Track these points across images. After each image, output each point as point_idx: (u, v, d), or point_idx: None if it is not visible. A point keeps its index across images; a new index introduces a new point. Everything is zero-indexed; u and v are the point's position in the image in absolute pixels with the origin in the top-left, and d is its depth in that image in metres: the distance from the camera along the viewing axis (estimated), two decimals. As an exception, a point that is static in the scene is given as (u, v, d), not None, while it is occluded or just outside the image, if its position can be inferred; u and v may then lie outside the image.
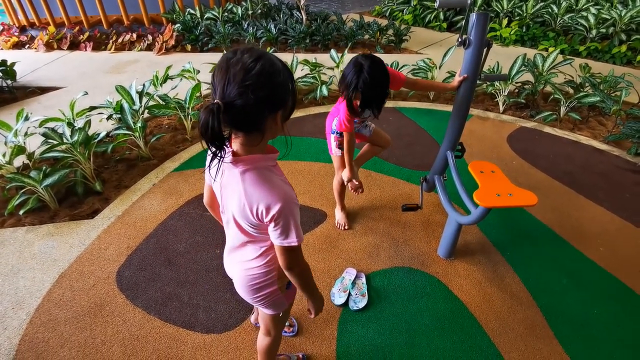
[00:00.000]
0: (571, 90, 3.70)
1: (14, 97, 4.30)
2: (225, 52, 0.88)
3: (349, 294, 1.90)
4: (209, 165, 0.92)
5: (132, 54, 5.76)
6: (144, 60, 5.44)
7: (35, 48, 6.06)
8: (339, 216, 2.35)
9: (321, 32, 5.74)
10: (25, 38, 6.35)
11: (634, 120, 3.29)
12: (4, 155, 2.59)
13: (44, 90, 4.47)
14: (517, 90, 3.96)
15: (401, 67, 4.05)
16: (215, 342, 1.70)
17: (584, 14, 5.63)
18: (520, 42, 5.93)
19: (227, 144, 0.83)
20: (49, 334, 1.74)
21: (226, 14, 6.46)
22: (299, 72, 4.18)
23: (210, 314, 1.83)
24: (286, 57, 4.17)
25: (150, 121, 3.61)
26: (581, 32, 5.53)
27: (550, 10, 5.94)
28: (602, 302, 1.92)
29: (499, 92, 3.83)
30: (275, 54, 0.87)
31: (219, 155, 0.82)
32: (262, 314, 1.28)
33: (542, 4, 6.11)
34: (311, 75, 4.02)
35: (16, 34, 6.54)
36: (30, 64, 5.34)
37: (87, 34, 6.16)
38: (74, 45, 6.08)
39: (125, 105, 3.01)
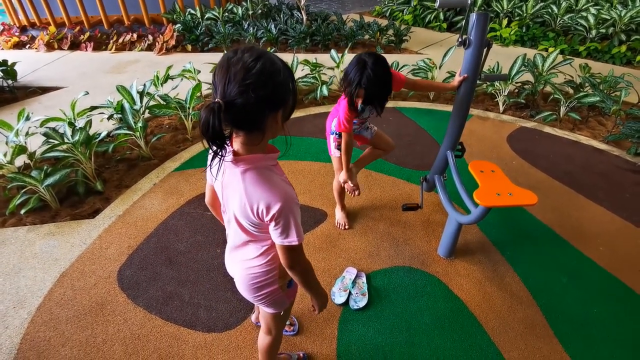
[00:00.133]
0: (571, 91, 3.71)
1: (15, 97, 4.31)
2: (225, 52, 0.88)
3: (350, 293, 1.90)
4: (210, 165, 0.92)
5: (133, 54, 5.77)
6: (145, 60, 5.45)
7: (36, 48, 6.07)
8: (338, 216, 2.35)
9: (321, 32, 5.74)
10: (26, 38, 6.36)
11: (634, 120, 3.30)
12: (5, 155, 2.60)
13: (44, 90, 4.48)
14: (517, 90, 3.96)
15: (401, 67, 4.06)
16: (216, 341, 1.71)
17: (584, 14, 5.63)
18: (520, 42, 5.94)
19: (227, 143, 0.84)
20: (50, 333, 1.75)
21: (226, 14, 6.47)
22: (300, 72, 4.18)
23: (211, 313, 1.83)
24: (286, 57, 4.18)
25: (151, 121, 3.62)
26: (581, 32, 5.54)
27: (550, 10, 5.95)
28: (602, 301, 1.92)
29: (499, 92, 3.84)
30: (276, 54, 0.88)
31: (220, 154, 0.83)
32: (263, 313, 1.28)
33: (542, 4, 6.12)
34: (311, 76, 4.03)
35: (17, 34, 6.55)
36: (31, 64, 5.35)
37: (87, 34, 6.17)
38: (75, 45, 6.09)
39: (126, 105, 3.01)
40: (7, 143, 2.67)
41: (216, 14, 6.34)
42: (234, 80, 0.77)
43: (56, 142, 2.66)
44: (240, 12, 6.49)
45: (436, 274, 2.05)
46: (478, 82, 1.89)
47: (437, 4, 1.75)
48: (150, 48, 5.88)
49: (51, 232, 2.33)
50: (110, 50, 5.93)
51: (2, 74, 4.31)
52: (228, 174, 0.95)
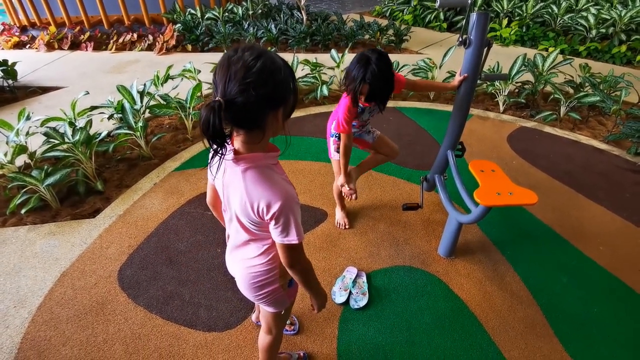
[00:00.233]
0: (571, 90, 3.71)
1: (15, 96, 4.31)
2: (226, 51, 0.88)
3: (350, 293, 1.90)
4: (211, 163, 0.92)
5: (133, 54, 5.77)
6: (145, 60, 5.45)
7: (36, 48, 6.07)
8: (338, 216, 2.36)
9: (321, 32, 5.75)
10: (26, 38, 6.37)
11: (634, 120, 3.30)
12: (5, 155, 2.60)
13: (45, 90, 4.48)
14: (517, 90, 3.96)
15: (401, 67, 4.06)
16: (216, 340, 1.71)
17: (584, 14, 5.64)
18: (520, 42, 5.94)
19: (228, 141, 0.84)
20: (51, 333, 1.75)
21: (227, 14, 6.47)
22: (300, 72, 4.19)
23: (212, 312, 1.83)
24: (287, 57, 4.16)
25: (151, 121, 3.62)
26: (581, 32, 5.54)
27: (550, 10, 5.95)
28: (602, 301, 1.92)
29: (499, 92, 3.84)
30: (276, 53, 0.88)
31: (220, 152, 0.83)
32: (263, 312, 1.28)
33: (542, 4, 6.12)
34: (312, 75, 4.04)
35: (17, 33, 6.55)
36: (31, 63, 5.35)
37: (87, 34, 6.17)
38: (75, 45, 6.10)
39: (127, 105, 3.01)
40: (7, 143, 2.68)
41: (216, 13, 6.35)
42: (234, 79, 0.78)
43: (56, 141, 2.66)
44: (240, 12, 6.49)
45: (436, 274, 2.05)
46: (478, 81, 1.89)
47: (437, 4, 1.75)
48: (150, 48, 5.88)
49: (52, 232, 2.33)
50: (111, 50, 5.93)
51: (2, 74, 4.31)
52: (229, 172, 0.95)
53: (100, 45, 6.06)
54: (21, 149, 2.60)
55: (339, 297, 1.89)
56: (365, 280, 1.98)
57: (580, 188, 2.72)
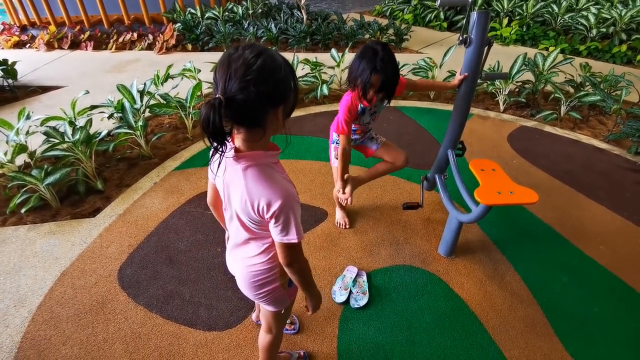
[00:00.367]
0: (571, 90, 3.71)
1: (15, 96, 4.31)
2: (226, 50, 0.88)
3: (350, 292, 1.90)
4: (211, 161, 0.92)
5: (133, 53, 5.77)
6: (145, 60, 5.45)
7: (36, 47, 6.07)
8: (338, 215, 2.35)
9: (322, 31, 5.74)
10: (26, 37, 6.37)
11: (634, 119, 3.30)
12: (5, 154, 2.60)
13: (45, 89, 4.48)
14: (517, 90, 3.96)
15: (402, 67, 4.06)
16: (216, 339, 1.71)
17: (585, 13, 5.63)
18: (520, 41, 5.94)
19: (228, 139, 0.84)
20: (51, 332, 1.75)
21: (227, 13, 6.47)
22: (300, 72, 4.18)
23: (212, 311, 1.83)
24: (287, 56, 4.17)
25: (151, 120, 3.62)
26: (581, 31, 5.54)
27: (550, 9, 5.95)
28: (602, 300, 1.92)
29: (500, 91, 3.84)
30: (277, 52, 0.88)
31: (220, 150, 0.83)
32: (263, 311, 1.28)
33: (542, 3, 6.12)
34: (312, 75, 4.03)
35: (17, 33, 6.55)
36: (31, 63, 5.35)
37: (87, 33, 6.17)
38: (75, 45, 6.10)
39: (127, 104, 3.01)
40: (7, 142, 2.68)
41: (216, 13, 6.35)
42: (234, 77, 0.78)
43: (56, 141, 2.66)
44: (240, 11, 6.49)
45: (437, 273, 2.05)
46: (479, 81, 1.89)
47: (437, 3, 1.75)
48: (150, 47, 5.88)
49: (52, 231, 2.33)
50: (111, 49, 5.93)
51: (2, 73, 4.31)
52: (230, 171, 0.95)
53: (100, 44, 6.06)
54: (21, 148, 2.60)
55: (339, 296, 1.89)
56: (366, 280, 1.98)
57: (581, 187, 2.72)
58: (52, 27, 6.45)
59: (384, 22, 6.28)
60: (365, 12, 8.22)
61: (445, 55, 3.95)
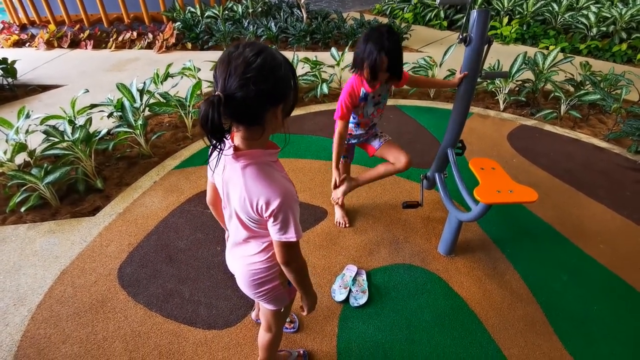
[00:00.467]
0: (572, 89, 3.71)
1: (15, 95, 4.31)
2: (226, 48, 0.88)
3: (350, 291, 1.90)
4: (209, 159, 0.92)
5: (133, 52, 5.77)
6: (145, 59, 5.44)
7: (36, 46, 6.07)
8: (338, 215, 2.35)
9: (322, 30, 5.74)
10: (26, 36, 6.36)
11: (634, 118, 3.29)
12: (5, 153, 2.60)
13: (44, 88, 4.48)
14: (517, 89, 3.96)
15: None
16: (216, 338, 1.71)
17: (585, 12, 5.63)
18: (520, 40, 5.93)
19: (227, 136, 0.84)
20: (51, 330, 1.75)
21: (227, 12, 6.46)
22: (300, 70, 4.18)
23: (212, 310, 1.83)
24: (286, 55, 4.17)
25: (151, 119, 3.61)
26: (582, 30, 5.53)
27: (550, 8, 5.94)
28: (602, 299, 1.92)
29: (500, 90, 3.83)
30: (277, 50, 0.88)
31: (219, 147, 0.83)
32: (263, 310, 1.28)
33: (542, 2, 6.11)
34: (312, 74, 4.03)
35: (16, 32, 6.54)
36: (31, 62, 5.35)
37: (87, 32, 6.16)
38: (75, 44, 6.09)
39: (126, 103, 3.01)
40: (7, 141, 2.67)
41: (216, 12, 6.34)
42: (234, 74, 0.77)
43: (56, 140, 2.65)
44: (240, 10, 6.48)
45: (436, 272, 2.05)
46: (479, 79, 1.88)
47: (437, 2, 1.75)
48: (150, 46, 5.87)
49: (51, 230, 2.33)
50: (110, 48, 5.92)
51: (2, 72, 4.31)
52: (229, 169, 0.95)
53: (100, 43, 6.05)
54: (21, 147, 2.60)
55: (339, 295, 1.89)
56: (365, 278, 1.98)
57: (581, 186, 2.72)
58: (52, 26, 6.44)
59: (384, 20, 6.28)
60: (365, 10, 8.21)
61: (445, 54, 3.95)
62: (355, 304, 1.85)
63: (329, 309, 1.84)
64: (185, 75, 3.86)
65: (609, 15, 5.43)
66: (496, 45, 5.80)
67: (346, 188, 2.12)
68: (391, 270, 2.06)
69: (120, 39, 6.03)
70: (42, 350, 1.67)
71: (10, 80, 4.41)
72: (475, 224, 2.36)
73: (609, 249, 2.21)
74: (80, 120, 2.93)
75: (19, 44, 6.26)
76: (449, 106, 3.79)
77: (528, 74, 3.94)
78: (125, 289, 1.94)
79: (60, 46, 6.06)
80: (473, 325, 1.78)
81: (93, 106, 3.12)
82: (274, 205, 0.89)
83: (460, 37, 1.73)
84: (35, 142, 2.80)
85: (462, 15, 6.46)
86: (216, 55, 4.83)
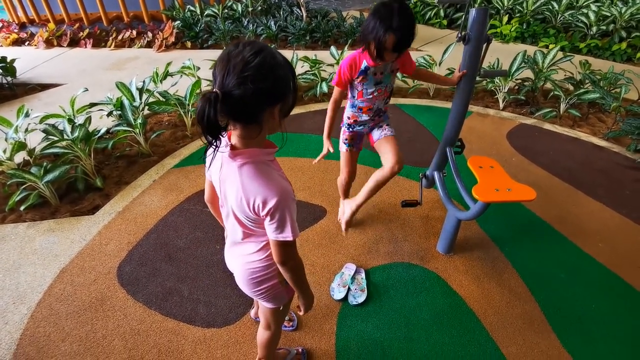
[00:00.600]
0: (571, 87, 3.71)
1: (14, 93, 4.31)
2: (226, 46, 0.88)
3: (348, 289, 1.91)
4: (204, 155, 0.92)
5: (132, 51, 5.76)
6: (144, 57, 5.44)
7: (35, 45, 6.06)
8: (342, 210, 2.18)
9: (321, 29, 5.73)
10: (25, 35, 6.35)
11: (634, 117, 3.29)
12: (4, 152, 2.60)
13: (44, 87, 4.48)
14: (517, 87, 3.96)
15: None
16: (215, 336, 1.72)
17: (585, 11, 5.62)
18: (520, 39, 5.92)
19: (223, 134, 0.84)
20: (50, 329, 1.75)
21: (226, 10, 6.45)
22: (299, 69, 4.18)
23: (211, 308, 1.84)
24: (286, 54, 4.16)
25: (151, 118, 3.61)
26: (581, 29, 5.53)
27: (550, 7, 5.93)
28: (600, 297, 1.92)
29: (499, 89, 3.83)
30: (277, 50, 0.87)
31: (214, 144, 0.83)
32: (262, 308, 1.28)
33: (542, 0, 6.10)
34: (311, 72, 4.03)
35: (16, 30, 6.53)
36: (30, 60, 5.34)
37: (87, 31, 6.15)
38: (74, 42, 6.08)
39: (126, 102, 3.01)
40: (6, 139, 2.67)
41: (216, 10, 6.33)
42: (232, 72, 0.77)
43: (56, 138, 2.65)
44: (239, 8, 6.47)
45: (435, 270, 2.05)
46: (478, 78, 1.88)
47: (437, 0, 1.74)
48: (149, 45, 5.87)
49: (51, 229, 2.33)
50: (110, 47, 5.92)
51: (1, 71, 4.31)
52: (225, 168, 0.95)
53: (99, 42, 6.05)
54: (20, 146, 2.60)
55: (338, 293, 1.89)
56: (364, 277, 1.98)
57: (580, 185, 2.72)
58: (51, 25, 6.44)
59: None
60: (365, 9, 8.19)
61: (444, 52, 3.94)
62: (354, 303, 1.86)
63: (327, 308, 1.85)
64: (185, 74, 3.85)
65: (609, 14, 5.42)
66: (496, 43, 5.80)
67: (348, 214, 2.00)
68: (390, 268, 2.06)
69: (119, 37, 6.03)
70: (42, 349, 1.67)
71: (9, 79, 4.41)
72: (474, 223, 2.36)
73: (607, 247, 2.21)
74: (80, 119, 2.93)
75: (18, 42, 6.25)
76: (448, 105, 3.78)
77: (528, 73, 3.93)
78: (124, 288, 1.95)
79: (59, 45, 6.05)
80: (471, 324, 1.78)
81: (92, 105, 3.12)
82: (271, 204, 0.89)
83: (459, 35, 1.73)
84: (35, 140, 2.80)
85: (462, 13, 6.45)
86: (216, 54, 4.83)
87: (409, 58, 1.76)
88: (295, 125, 3.44)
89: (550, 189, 2.69)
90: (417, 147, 3.14)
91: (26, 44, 6.21)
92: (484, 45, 1.74)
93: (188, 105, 3.22)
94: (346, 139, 1.94)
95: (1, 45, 6.21)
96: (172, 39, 5.77)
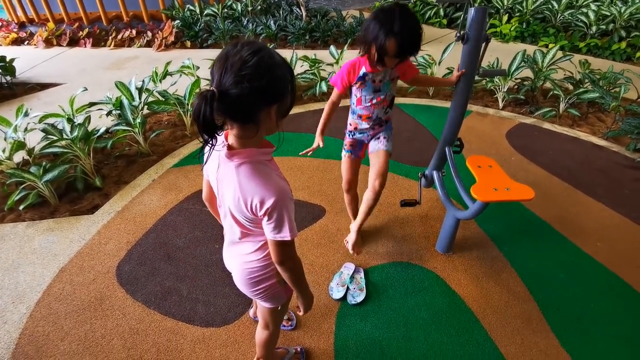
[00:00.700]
0: (571, 87, 3.70)
1: (14, 93, 4.31)
2: (225, 46, 0.88)
3: (347, 289, 1.91)
4: (200, 154, 0.92)
5: (132, 51, 5.76)
6: (144, 57, 5.43)
7: (35, 44, 6.06)
8: (351, 237, 2.02)
9: (321, 28, 5.73)
10: (25, 34, 6.35)
11: (633, 116, 3.29)
12: (4, 151, 2.60)
13: (43, 86, 4.48)
14: (516, 87, 3.95)
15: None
16: (214, 335, 1.72)
17: (584, 10, 5.61)
18: (520, 38, 5.92)
19: (219, 132, 0.84)
20: (49, 328, 1.75)
21: (226, 10, 6.44)
22: (299, 69, 4.18)
23: (210, 308, 1.84)
24: (286, 53, 4.17)
25: (150, 117, 3.61)
26: (581, 28, 5.52)
27: (550, 6, 5.93)
28: (599, 296, 1.92)
29: (499, 89, 3.83)
30: (276, 51, 0.87)
31: (210, 143, 0.83)
32: (260, 308, 1.28)
33: (542, 0, 6.09)
34: (310, 72, 4.02)
35: (15, 30, 6.53)
36: (30, 60, 5.34)
37: (86, 30, 6.15)
38: (74, 42, 6.08)
39: (125, 102, 3.01)
40: (5, 139, 2.67)
41: (215, 10, 6.32)
42: (230, 71, 0.78)
43: (55, 138, 2.65)
44: (239, 8, 6.47)
45: (434, 270, 2.05)
46: (477, 77, 1.88)
47: (436, 0, 1.74)
48: (149, 44, 5.87)
49: (50, 228, 2.33)
50: (109, 46, 5.92)
51: (0, 70, 4.30)
52: (222, 168, 0.95)
53: (99, 41, 6.04)
54: (19, 145, 2.61)
55: (337, 292, 1.89)
56: (363, 276, 1.98)
57: (579, 184, 2.72)
58: (51, 24, 6.43)
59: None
60: (365, 9, 8.18)
61: (444, 52, 3.94)
62: (353, 302, 1.86)
63: (326, 307, 1.85)
64: (184, 73, 3.85)
65: (609, 14, 5.42)
66: (496, 43, 5.79)
67: (353, 238, 1.98)
68: (389, 268, 2.06)
69: (119, 37, 6.02)
70: (41, 348, 1.67)
71: (9, 78, 4.41)
72: (473, 222, 2.36)
73: (606, 247, 2.21)
74: (79, 119, 2.93)
75: (17, 42, 6.25)
76: (448, 104, 3.77)
77: (527, 72, 3.93)
78: (123, 287, 1.95)
79: (59, 44, 6.05)
80: (470, 323, 1.78)
81: (92, 104, 3.12)
82: (268, 204, 0.89)
83: (458, 34, 1.72)
84: (34, 140, 2.80)
85: (461, 13, 6.45)
86: (215, 53, 4.81)
87: (410, 65, 1.75)
88: (294, 124, 3.44)
89: (550, 188, 2.69)
90: (416, 147, 3.14)
91: (25, 43, 6.21)
92: (483, 45, 1.74)
93: (187, 104, 3.22)
94: (346, 145, 1.94)
95: (0, 45, 6.21)
96: (172, 39, 5.77)
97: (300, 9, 6.18)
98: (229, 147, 0.91)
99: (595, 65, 4.05)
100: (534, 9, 5.97)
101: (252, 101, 0.81)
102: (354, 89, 1.74)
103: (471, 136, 3.25)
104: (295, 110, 3.66)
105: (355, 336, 1.72)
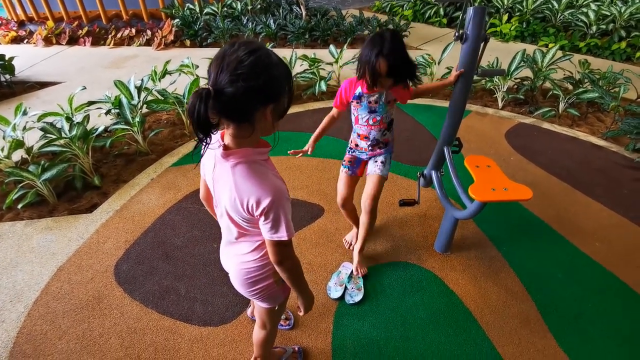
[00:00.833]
0: (570, 86, 3.70)
1: (13, 91, 4.31)
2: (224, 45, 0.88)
3: (345, 288, 1.91)
4: (194, 151, 0.92)
5: (131, 49, 5.75)
6: (143, 56, 5.43)
7: (34, 43, 6.05)
8: (354, 259, 2.02)
9: (321, 27, 5.72)
10: (24, 33, 6.34)
11: (632, 116, 3.29)
12: (2, 150, 2.60)
13: (42, 85, 4.48)
14: (516, 86, 3.95)
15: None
16: (212, 334, 1.72)
17: (584, 10, 5.61)
18: (520, 38, 5.91)
19: (214, 131, 0.84)
20: (47, 327, 1.75)
21: (225, 9, 6.43)
22: (298, 68, 4.17)
23: (207, 307, 1.84)
24: (285, 52, 4.17)
25: (149, 116, 3.61)
26: (581, 28, 5.52)
27: (550, 6, 5.92)
28: (596, 296, 1.93)
29: (498, 88, 3.83)
30: (274, 50, 0.87)
31: (205, 141, 0.82)
32: (257, 308, 1.28)
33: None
34: (310, 71, 4.02)
35: (14, 28, 6.52)
36: (29, 58, 5.33)
37: (86, 29, 6.14)
38: (73, 40, 6.07)
39: (124, 100, 3.01)
40: (4, 137, 2.67)
41: (215, 9, 6.31)
42: (226, 70, 0.78)
43: (54, 136, 2.65)
44: (239, 7, 6.46)
45: (432, 269, 2.05)
46: (476, 77, 1.88)
47: (435, -1, 1.74)
48: (148, 43, 5.86)
49: (48, 227, 2.33)
50: (109, 45, 5.91)
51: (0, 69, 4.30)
52: (219, 168, 0.95)
53: (98, 40, 6.04)
54: (18, 144, 2.60)
55: (335, 292, 1.89)
56: (361, 276, 1.98)
57: (578, 184, 2.72)
58: (50, 23, 6.43)
59: (383, 18, 6.26)
60: (365, 8, 8.17)
61: (444, 51, 3.94)
62: (351, 301, 1.86)
63: (324, 306, 1.85)
64: (184, 72, 3.84)
65: (609, 13, 5.41)
66: (496, 42, 5.79)
67: (356, 259, 1.99)
68: (387, 267, 2.06)
69: (118, 35, 6.01)
70: (39, 347, 1.67)
71: (7, 76, 4.40)
72: (472, 222, 2.36)
73: (604, 247, 2.21)
74: (78, 118, 2.92)
75: (17, 40, 6.24)
76: (447, 104, 3.77)
77: (527, 72, 3.93)
78: (121, 286, 1.95)
79: (58, 43, 6.04)
80: (468, 323, 1.78)
81: (91, 103, 3.12)
82: (265, 203, 0.89)
83: (456, 34, 1.72)
84: (33, 139, 2.80)
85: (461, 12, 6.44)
86: (214, 52, 4.82)
87: (405, 88, 1.78)
88: (293, 123, 3.44)
89: (549, 188, 2.68)
90: (415, 146, 3.14)
91: (25, 41, 6.20)
92: (482, 44, 1.74)
93: (186, 103, 3.21)
94: (345, 161, 1.94)
95: (0, 43, 6.20)
96: (171, 37, 5.76)
97: (300, 8, 6.17)
98: (225, 147, 0.91)
99: (595, 65, 4.05)
100: (534, 9, 5.96)
101: (247, 100, 0.81)
102: (352, 107, 1.80)
103: (470, 136, 3.25)
104: (294, 109, 3.66)
105: (353, 336, 1.72)
